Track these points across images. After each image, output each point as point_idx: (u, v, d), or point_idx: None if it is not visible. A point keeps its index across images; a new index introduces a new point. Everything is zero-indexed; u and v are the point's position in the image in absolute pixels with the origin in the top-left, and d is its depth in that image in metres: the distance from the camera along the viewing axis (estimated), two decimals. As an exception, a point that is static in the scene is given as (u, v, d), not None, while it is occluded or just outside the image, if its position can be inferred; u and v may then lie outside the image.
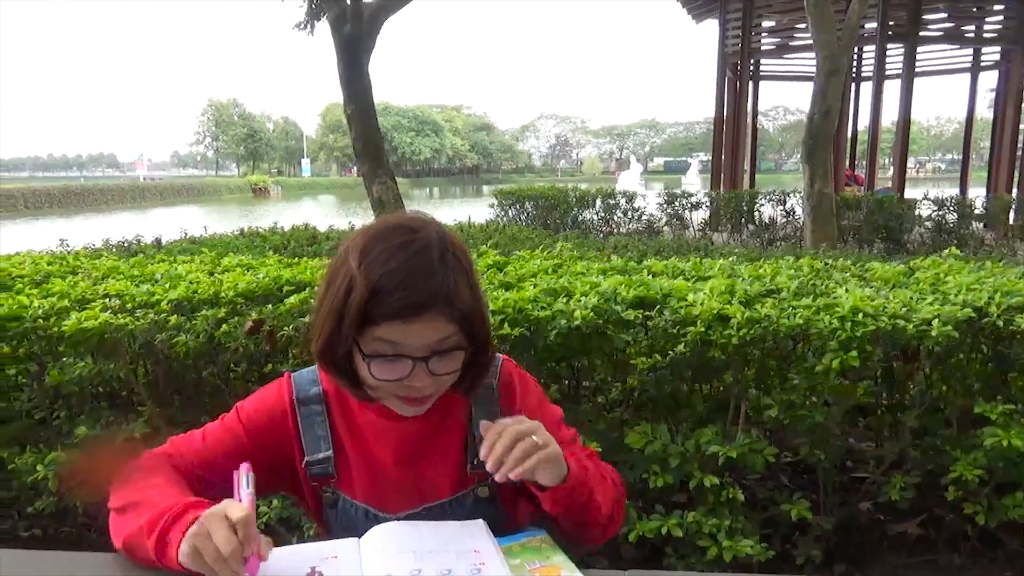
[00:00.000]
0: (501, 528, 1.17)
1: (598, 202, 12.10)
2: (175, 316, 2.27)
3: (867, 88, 13.77)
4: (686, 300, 2.28)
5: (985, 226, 10.85)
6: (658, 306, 2.30)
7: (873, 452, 2.66)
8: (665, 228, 11.81)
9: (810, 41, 8.96)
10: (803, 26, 13.18)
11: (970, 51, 13.27)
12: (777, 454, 2.56)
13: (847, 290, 2.48)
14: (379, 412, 1.21)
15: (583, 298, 2.29)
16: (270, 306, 2.30)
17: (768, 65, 16.10)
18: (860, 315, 2.17)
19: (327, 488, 1.24)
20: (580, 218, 12.11)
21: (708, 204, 11.89)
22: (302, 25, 11.57)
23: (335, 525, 1.26)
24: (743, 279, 2.74)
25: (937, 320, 2.13)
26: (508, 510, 1.26)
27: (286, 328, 2.21)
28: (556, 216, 11.98)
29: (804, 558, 2.42)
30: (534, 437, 1.08)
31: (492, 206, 12.89)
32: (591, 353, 2.29)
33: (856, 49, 14.04)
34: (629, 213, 12.03)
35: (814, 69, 8.40)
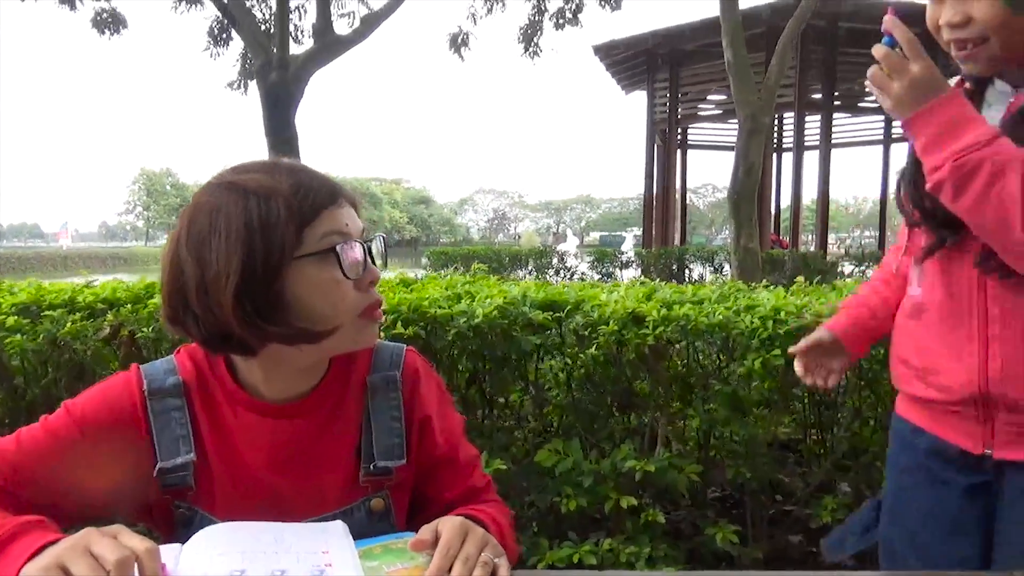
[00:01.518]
0: None
1: (531, 261, 12.04)
2: (14, 318, 1.96)
3: (789, 160, 14.35)
4: (599, 301, 2.11)
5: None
6: (569, 307, 2.11)
7: (801, 480, 2.49)
8: (606, 285, 11.75)
9: (733, 107, 9.25)
10: (724, 97, 13.77)
11: (882, 121, 14.02)
12: (703, 486, 2.36)
13: (770, 294, 2.35)
14: (252, 407, 0.98)
15: (488, 299, 2.09)
16: (128, 307, 2.01)
17: (695, 132, 16.71)
18: (782, 313, 2.03)
19: (181, 503, 0.98)
20: (513, 276, 12.00)
21: (638, 262, 11.97)
22: (235, 85, 11.47)
23: None
24: (665, 291, 2.59)
25: (860, 318, 2.00)
26: (404, 525, 1.05)
27: (146, 330, 1.93)
28: (492, 274, 11.82)
29: (733, 588, 2.20)
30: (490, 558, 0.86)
31: (424, 267, 12.69)
32: (496, 358, 2.06)
33: (777, 119, 14.68)
34: (561, 272, 11.99)
35: (737, 126, 8.64)
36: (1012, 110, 1.10)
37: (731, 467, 2.30)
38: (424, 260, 12.79)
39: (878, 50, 1.07)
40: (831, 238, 38.82)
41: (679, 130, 15.25)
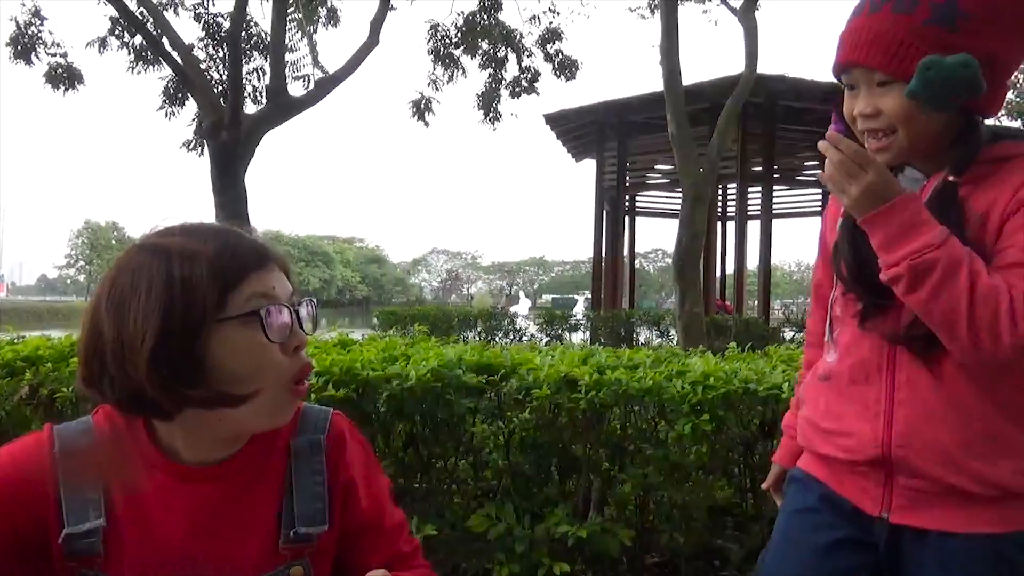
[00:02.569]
0: None
1: (479, 322, 12.04)
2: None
3: (733, 228, 14.81)
4: (534, 365, 2.12)
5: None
6: (504, 371, 2.12)
7: (737, 543, 2.50)
8: (545, 348, 11.80)
9: (678, 176, 9.56)
10: (670, 167, 14.22)
11: (819, 193, 14.63)
12: (640, 552, 2.35)
13: (701, 360, 2.40)
14: (169, 470, 0.94)
15: (423, 362, 2.08)
16: (49, 364, 1.95)
17: (643, 201, 17.16)
18: (711, 379, 2.07)
19: (88, 571, 0.93)
20: (462, 338, 11.97)
21: (586, 325, 12.07)
22: (191, 145, 11.38)
23: None
24: (600, 356, 2.62)
25: (787, 384, 2.05)
26: None
27: (65, 390, 1.87)
28: (438, 336, 11.77)
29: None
30: None
31: (374, 327, 12.58)
32: (428, 421, 2.04)
33: (720, 188, 15.19)
34: (511, 334, 12.01)
35: (682, 194, 8.92)
36: (929, 194, 1.18)
37: (665, 532, 2.30)
38: (374, 320, 12.68)
39: (832, 154, 1.13)
40: (776, 303, 39.81)
41: (627, 197, 15.66)
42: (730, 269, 15.95)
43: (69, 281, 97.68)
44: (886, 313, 1.17)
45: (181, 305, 0.87)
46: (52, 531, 0.92)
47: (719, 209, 15.95)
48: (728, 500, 2.64)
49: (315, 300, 1.07)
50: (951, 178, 1.14)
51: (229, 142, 7.82)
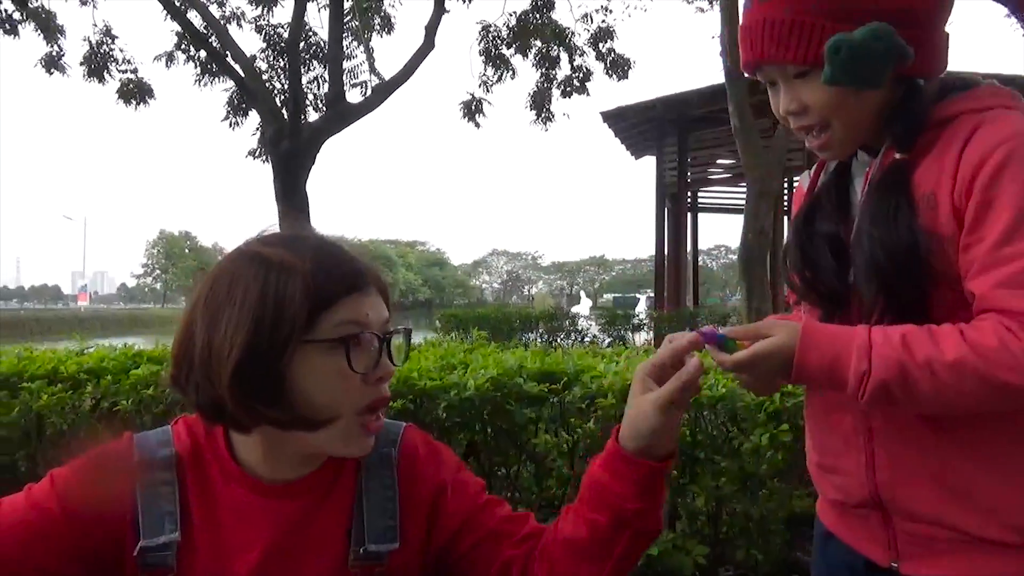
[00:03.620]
0: None
1: (541, 324, 11.97)
2: (-6, 390, 1.91)
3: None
4: (598, 372, 2.02)
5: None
6: (567, 379, 2.03)
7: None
8: (608, 350, 11.67)
9: (742, 170, 9.30)
10: (733, 161, 13.87)
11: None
12: (714, 564, 2.23)
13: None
14: (246, 484, 0.92)
15: (482, 370, 2.00)
16: (110, 377, 1.95)
17: (705, 196, 16.77)
18: (790, 386, 1.93)
19: None
20: (524, 339, 11.92)
21: (649, 324, 11.86)
22: (256, 153, 11.67)
23: None
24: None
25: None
26: None
27: (126, 402, 1.86)
28: (499, 338, 11.78)
29: None
30: None
31: (436, 329, 12.66)
32: (489, 431, 1.97)
33: (787, 182, 14.73)
34: (572, 335, 11.90)
35: (746, 189, 8.65)
36: (868, 180, 1.02)
37: (741, 548, 2.17)
38: (436, 323, 12.76)
39: (734, 365, 0.95)
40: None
41: (689, 193, 15.31)
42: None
43: (147, 290, 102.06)
44: (847, 321, 0.99)
45: (271, 321, 0.84)
46: (128, 542, 0.90)
47: (786, 202, 15.48)
48: (807, 510, 2.48)
49: (411, 329, 1.03)
50: (897, 155, 0.98)
51: (290, 151, 7.96)
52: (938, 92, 1.00)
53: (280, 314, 0.84)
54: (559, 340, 11.93)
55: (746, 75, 1.10)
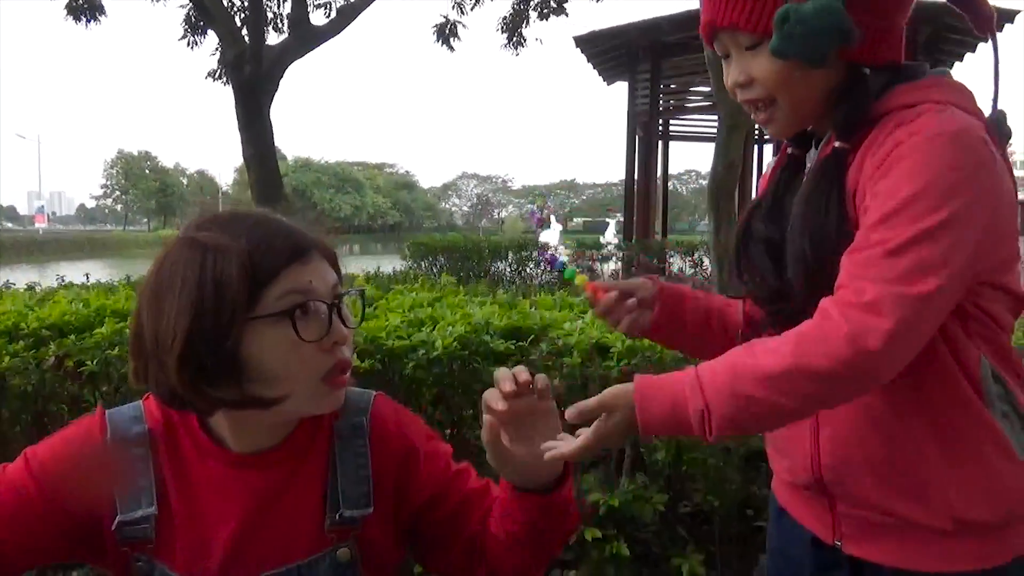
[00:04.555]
0: None
1: (511, 254, 11.98)
2: (-49, 350, 1.88)
3: (769, 151, 14.35)
4: (563, 329, 2.05)
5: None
6: (533, 336, 2.06)
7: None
8: (576, 300, 11.74)
9: (715, 98, 9.21)
10: (706, 89, 13.71)
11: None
12: (673, 502, 2.33)
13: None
14: (220, 458, 0.95)
15: (450, 327, 2.02)
16: (72, 338, 1.93)
17: (676, 125, 16.62)
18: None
19: (140, 556, 0.95)
20: (493, 269, 11.94)
21: (618, 256, 11.95)
22: (216, 75, 11.21)
23: None
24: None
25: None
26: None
27: (90, 363, 1.85)
28: (469, 268, 11.78)
29: (698, 619, 2.16)
30: None
31: (404, 257, 12.61)
32: (455, 389, 2.00)
33: (758, 111, 14.62)
34: (542, 264, 11.94)
35: (717, 121, 8.59)
36: (815, 164, 1.03)
37: (699, 491, 2.27)
38: (405, 251, 12.69)
39: (569, 418, 0.94)
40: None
41: (660, 122, 15.17)
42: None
43: (107, 211, 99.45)
44: (794, 318, 0.97)
45: (211, 304, 0.85)
46: (105, 517, 0.94)
47: (756, 132, 15.44)
48: (762, 446, 2.58)
49: (364, 290, 1.06)
50: (837, 144, 0.98)
51: (252, 77, 7.68)
52: (884, 84, 1.00)
53: (220, 296, 0.85)
54: (529, 269, 11.97)
55: (704, 44, 1.08)
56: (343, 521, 0.98)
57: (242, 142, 8.21)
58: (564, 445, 0.93)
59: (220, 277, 0.86)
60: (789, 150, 1.12)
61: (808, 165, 1.08)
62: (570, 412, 0.93)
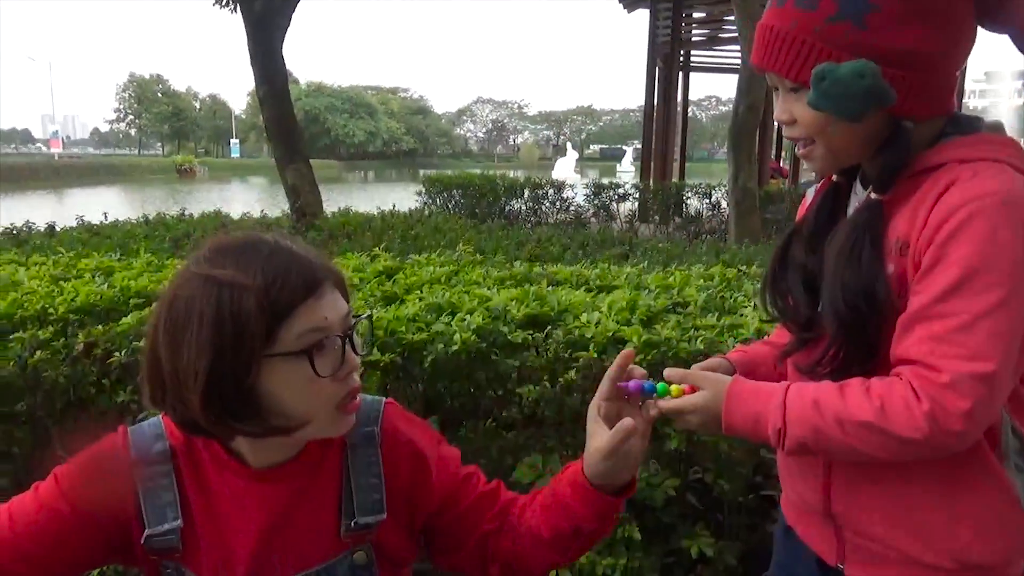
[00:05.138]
0: None
1: (526, 192, 11.89)
2: (-15, 338, 1.93)
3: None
4: (580, 320, 2.07)
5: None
6: (550, 327, 2.08)
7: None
8: (592, 219, 11.70)
9: (737, 33, 8.92)
10: (732, 18, 13.23)
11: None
12: (686, 473, 2.38)
13: (755, 306, 2.31)
14: (239, 472, 0.99)
15: (467, 316, 2.05)
16: (100, 327, 1.98)
17: (698, 56, 16.15)
18: (764, 337, 1.99)
19: (169, 563, 1.02)
20: (508, 207, 11.87)
21: (635, 196, 11.82)
22: (223, 2, 10.92)
23: None
24: (649, 291, 2.55)
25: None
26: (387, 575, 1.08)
27: (118, 354, 1.90)
28: (484, 205, 11.72)
29: (705, 594, 2.25)
30: None
31: (419, 194, 12.55)
32: (472, 380, 2.04)
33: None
34: (557, 203, 11.87)
35: (740, 59, 8.34)
36: (852, 213, 1.06)
37: (710, 471, 2.32)
38: (420, 188, 12.60)
39: (661, 407, 1.06)
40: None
41: (682, 52, 14.74)
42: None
43: (121, 135, 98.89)
44: (809, 346, 1.08)
45: (231, 342, 0.87)
46: (134, 530, 0.99)
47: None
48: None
49: (371, 315, 1.09)
50: (873, 196, 1.01)
51: (263, 12, 7.50)
52: (937, 134, 1.00)
53: (239, 335, 0.87)
54: (544, 207, 11.89)
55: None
56: (358, 527, 1.03)
57: (255, 77, 8.07)
58: (662, 403, 1.05)
59: (238, 315, 0.87)
60: (834, 177, 1.13)
61: (853, 194, 1.10)
62: (669, 371, 1.06)
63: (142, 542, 0.99)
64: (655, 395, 1.04)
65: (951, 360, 0.89)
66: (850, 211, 1.09)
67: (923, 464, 1.00)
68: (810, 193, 1.21)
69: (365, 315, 1.04)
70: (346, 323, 0.96)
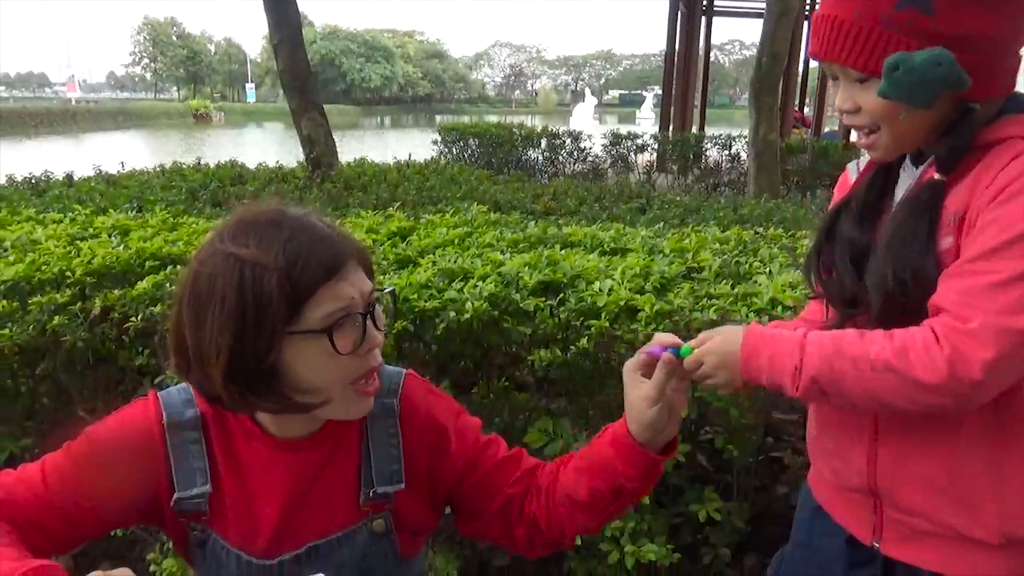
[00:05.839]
0: (393, 563, 1.09)
1: (543, 142, 11.74)
2: (4, 302, 1.96)
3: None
4: (593, 287, 2.06)
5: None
6: (562, 295, 2.07)
7: (797, 428, 2.52)
8: (609, 170, 11.57)
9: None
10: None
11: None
12: (697, 433, 2.40)
13: (770, 273, 2.29)
14: (265, 442, 1.02)
15: (480, 283, 2.05)
16: (117, 292, 2.00)
17: (722, 0, 15.68)
18: (778, 308, 1.99)
19: (196, 525, 1.05)
20: (524, 157, 11.76)
21: (654, 147, 11.64)
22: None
23: (201, 564, 1.08)
24: (663, 255, 2.53)
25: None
26: (403, 544, 1.11)
27: (135, 319, 1.93)
28: (500, 155, 11.60)
29: (712, 556, 2.29)
30: None
31: (435, 143, 12.44)
32: (484, 346, 2.05)
33: (809, 2, 13.67)
34: (574, 154, 11.73)
35: (765, 6, 8.09)
36: (911, 192, 1.05)
37: (720, 434, 2.34)
38: (436, 136, 12.49)
39: (687, 367, 1.08)
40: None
41: (705, -4, 14.31)
42: (814, 63, 14.59)
43: (137, 79, 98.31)
44: (859, 322, 1.07)
45: (252, 322, 0.89)
46: (164, 493, 1.03)
47: (807, 7, 14.48)
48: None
49: (395, 290, 1.09)
50: (936, 176, 1.01)
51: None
52: (996, 112, 1.00)
53: (260, 315, 0.89)
54: (561, 157, 11.75)
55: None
56: (377, 496, 1.05)
57: (268, 24, 7.95)
58: (686, 361, 1.08)
59: (260, 296, 0.88)
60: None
61: (902, 171, 1.10)
62: (659, 335, 1.11)
63: (171, 504, 1.02)
64: (680, 358, 1.07)
65: (980, 311, 0.90)
66: (899, 187, 1.10)
67: (976, 439, 1.01)
68: (851, 168, 1.21)
69: (388, 289, 1.04)
70: (368, 300, 0.96)
